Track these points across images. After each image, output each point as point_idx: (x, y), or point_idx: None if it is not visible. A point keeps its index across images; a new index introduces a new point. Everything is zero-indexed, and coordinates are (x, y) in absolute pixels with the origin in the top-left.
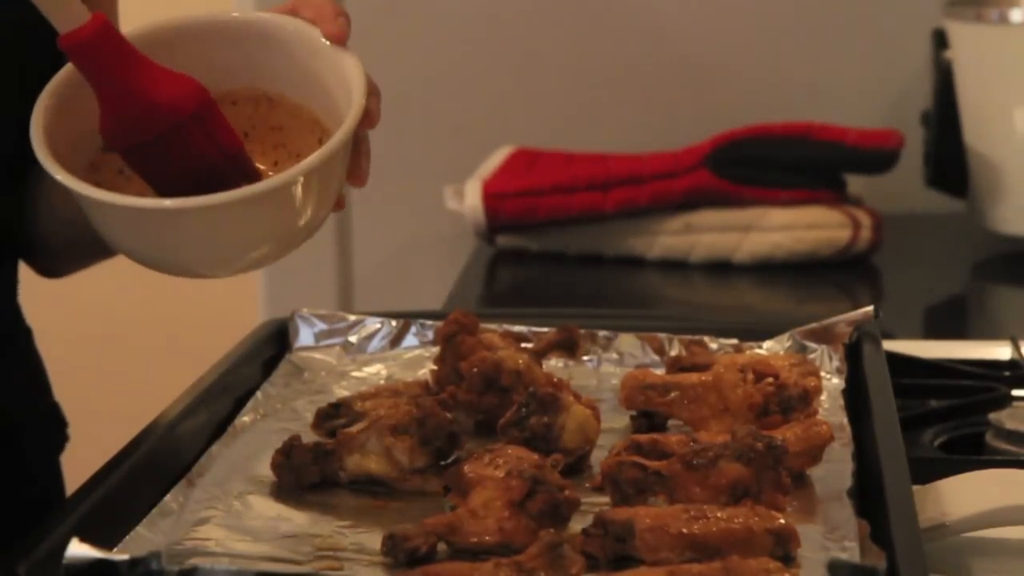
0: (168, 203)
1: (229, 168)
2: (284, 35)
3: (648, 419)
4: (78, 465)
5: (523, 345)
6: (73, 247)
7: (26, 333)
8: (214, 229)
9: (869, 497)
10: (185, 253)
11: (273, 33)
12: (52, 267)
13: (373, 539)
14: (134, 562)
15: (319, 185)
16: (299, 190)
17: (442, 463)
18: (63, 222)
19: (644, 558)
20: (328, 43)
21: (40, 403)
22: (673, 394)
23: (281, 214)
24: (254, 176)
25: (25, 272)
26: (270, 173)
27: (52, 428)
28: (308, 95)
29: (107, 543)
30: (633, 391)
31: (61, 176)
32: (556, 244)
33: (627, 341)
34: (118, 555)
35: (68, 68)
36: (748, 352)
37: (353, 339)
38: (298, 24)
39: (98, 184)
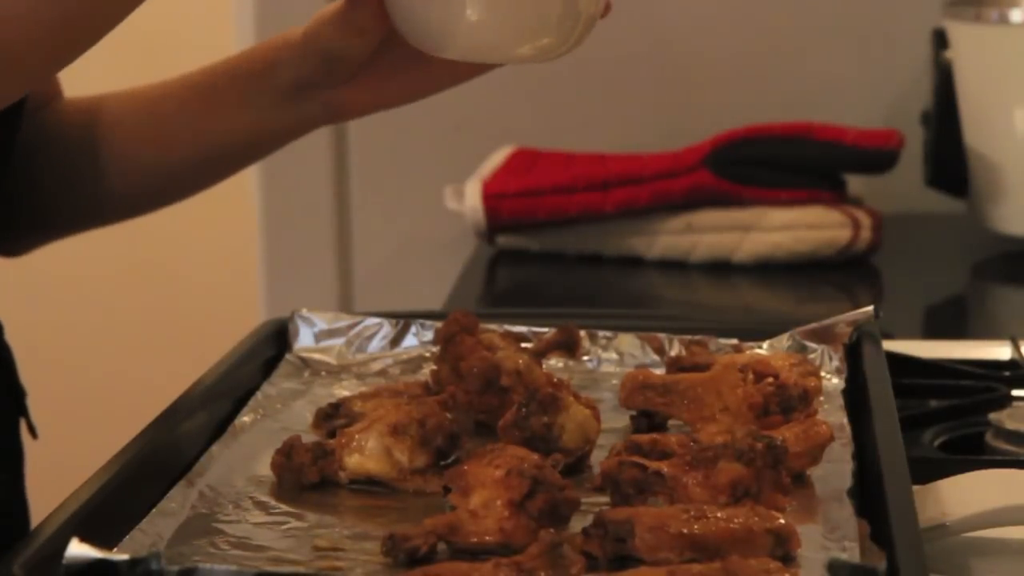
0: None
1: None
2: None
3: (648, 419)
4: (77, 466)
5: (523, 345)
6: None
7: None
8: None
9: (869, 497)
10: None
11: None
12: (21, 242)
13: (373, 539)
14: (134, 562)
15: None
16: None
17: (442, 463)
18: (83, 183)
19: (644, 558)
20: None
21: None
22: (673, 394)
23: None
24: None
25: (25, 275)
26: None
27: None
28: None
29: (107, 543)
30: (633, 391)
31: None
32: (556, 244)
33: (627, 341)
34: (118, 555)
35: None
36: (748, 352)
37: (353, 339)
38: None
39: None
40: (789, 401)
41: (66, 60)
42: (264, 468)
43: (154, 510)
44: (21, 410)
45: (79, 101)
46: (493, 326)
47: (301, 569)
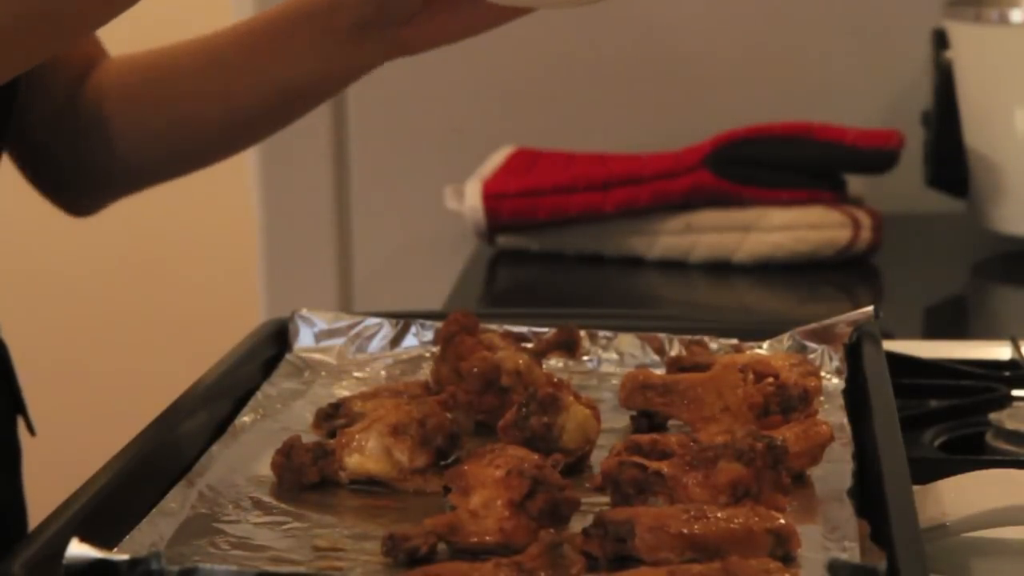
0: None
1: None
2: None
3: (648, 419)
4: (77, 466)
5: (523, 345)
6: (151, 166)
7: None
8: None
9: (869, 497)
10: None
11: None
12: (89, 202)
13: (373, 539)
14: (134, 562)
15: None
16: None
17: (442, 463)
18: (149, 139)
19: (644, 558)
20: None
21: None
22: (673, 394)
23: None
24: None
25: (24, 272)
26: None
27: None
28: None
29: (107, 543)
30: (633, 391)
31: None
32: (556, 244)
33: (627, 341)
34: (118, 555)
35: None
36: (748, 352)
37: (353, 339)
38: None
39: None
40: (789, 401)
41: (43, 54)
42: (264, 468)
43: (154, 510)
44: (19, 408)
45: (131, 59)
46: (493, 326)
47: (301, 569)
